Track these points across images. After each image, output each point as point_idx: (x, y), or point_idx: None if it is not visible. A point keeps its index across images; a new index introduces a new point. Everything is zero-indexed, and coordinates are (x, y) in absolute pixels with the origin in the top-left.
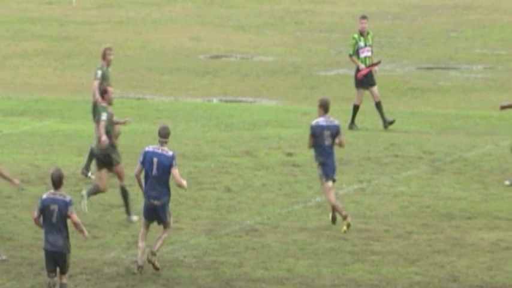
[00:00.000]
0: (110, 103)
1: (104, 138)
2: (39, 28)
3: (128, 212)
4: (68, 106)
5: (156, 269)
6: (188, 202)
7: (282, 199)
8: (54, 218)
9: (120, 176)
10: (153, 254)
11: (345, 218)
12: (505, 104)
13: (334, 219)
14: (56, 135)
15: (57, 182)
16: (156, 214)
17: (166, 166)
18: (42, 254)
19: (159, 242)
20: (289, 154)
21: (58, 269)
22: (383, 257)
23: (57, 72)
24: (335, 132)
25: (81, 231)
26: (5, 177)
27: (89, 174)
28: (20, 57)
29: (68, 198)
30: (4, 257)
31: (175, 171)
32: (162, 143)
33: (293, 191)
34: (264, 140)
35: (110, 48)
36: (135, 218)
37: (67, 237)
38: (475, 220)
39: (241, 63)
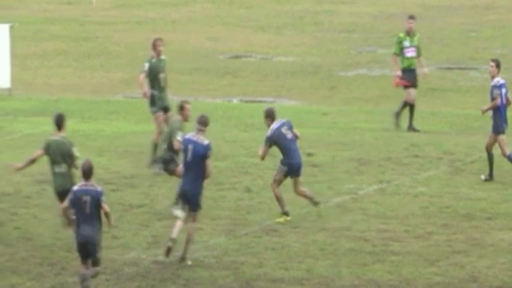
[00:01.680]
0: (186, 120)
1: (179, 144)
2: (59, 28)
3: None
4: (87, 106)
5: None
6: (208, 202)
7: (301, 199)
8: (87, 209)
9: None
10: (183, 259)
11: (285, 213)
12: (484, 107)
13: (316, 203)
14: (76, 135)
15: (87, 172)
16: (187, 201)
17: (200, 155)
18: (62, 254)
19: (187, 247)
20: (309, 154)
21: (90, 262)
22: (403, 258)
23: (76, 73)
24: (291, 125)
25: (109, 221)
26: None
27: (157, 169)
28: (39, 58)
29: (99, 188)
30: (179, 213)
31: (208, 161)
32: (198, 131)
33: (313, 191)
34: None
35: (159, 39)
36: (178, 212)
37: (99, 229)
38: (495, 220)
39: (261, 63)
